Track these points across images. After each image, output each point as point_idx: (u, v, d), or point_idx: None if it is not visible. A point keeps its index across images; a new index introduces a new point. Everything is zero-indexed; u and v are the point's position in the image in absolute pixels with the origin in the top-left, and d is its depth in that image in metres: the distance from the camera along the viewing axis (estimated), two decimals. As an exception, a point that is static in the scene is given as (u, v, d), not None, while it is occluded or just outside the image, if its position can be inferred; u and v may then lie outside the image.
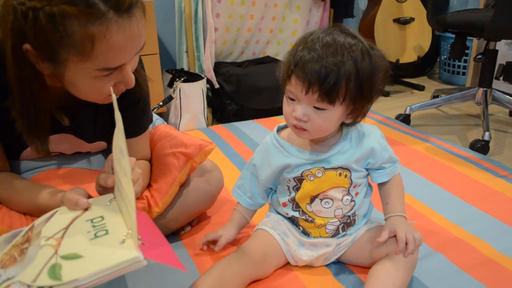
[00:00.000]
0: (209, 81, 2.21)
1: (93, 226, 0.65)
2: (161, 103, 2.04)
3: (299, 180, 0.95)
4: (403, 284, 0.88)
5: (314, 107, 0.82)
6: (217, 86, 2.23)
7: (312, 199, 0.95)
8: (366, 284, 0.88)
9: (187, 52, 2.28)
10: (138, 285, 0.98)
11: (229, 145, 1.77)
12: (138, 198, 1.04)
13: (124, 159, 0.63)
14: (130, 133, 1.00)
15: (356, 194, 0.96)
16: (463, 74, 2.86)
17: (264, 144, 1.00)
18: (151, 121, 1.08)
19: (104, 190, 0.81)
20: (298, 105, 0.84)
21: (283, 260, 1.00)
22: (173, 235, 1.15)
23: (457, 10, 2.20)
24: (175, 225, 1.14)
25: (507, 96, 2.12)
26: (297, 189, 0.96)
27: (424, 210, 1.27)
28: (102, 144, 1.05)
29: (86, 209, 0.71)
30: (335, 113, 0.84)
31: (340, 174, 0.93)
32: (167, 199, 1.05)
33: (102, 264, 0.56)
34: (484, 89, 2.04)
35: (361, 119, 0.92)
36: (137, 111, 1.00)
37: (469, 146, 1.81)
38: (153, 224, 0.76)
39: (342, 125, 0.93)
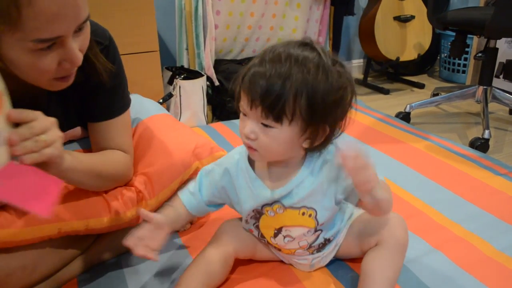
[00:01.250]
0: (209, 79, 2.21)
1: None
2: (161, 100, 2.04)
3: (259, 213, 0.89)
4: (395, 273, 0.87)
5: (262, 123, 0.75)
6: (217, 83, 2.23)
7: (276, 234, 0.90)
8: (360, 279, 0.88)
9: (187, 49, 2.27)
10: (138, 282, 0.98)
11: (229, 143, 1.77)
12: (127, 185, 1.03)
13: None
14: (99, 117, 0.97)
15: (322, 224, 0.88)
16: (463, 72, 2.86)
17: (234, 163, 0.90)
18: (127, 106, 1.02)
19: None
20: (248, 120, 0.77)
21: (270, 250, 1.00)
22: (172, 233, 1.15)
23: (458, 8, 2.20)
24: (178, 224, 1.14)
25: (507, 94, 2.13)
26: (256, 219, 0.91)
27: (423, 208, 1.27)
28: (77, 131, 1.01)
29: None
30: (284, 133, 0.75)
31: (303, 214, 0.86)
32: (165, 193, 1.05)
33: None
34: (484, 87, 2.04)
35: (325, 146, 0.82)
36: (104, 93, 0.94)
37: (469, 144, 1.81)
38: (55, 186, 0.71)
39: (307, 151, 0.84)
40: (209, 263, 0.91)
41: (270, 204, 0.86)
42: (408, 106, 2.15)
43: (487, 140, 1.78)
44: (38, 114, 0.70)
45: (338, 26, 2.68)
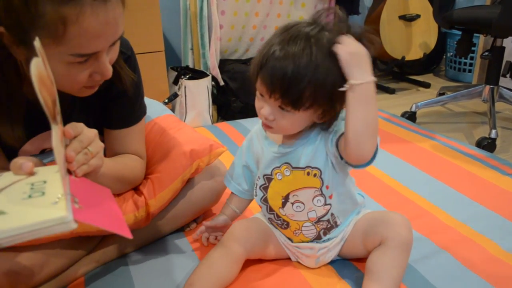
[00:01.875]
0: (214, 79, 2.21)
1: (31, 188, 0.61)
2: (166, 100, 2.04)
3: (269, 179, 0.93)
4: (400, 272, 0.87)
5: (280, 107, 0.80)
6: (222, 83, 2.23)
7: (284, 203, 0.93)
8: (364, 278, 0.88)
9: (192, 49, 2.28)
10: (144, 282, 0.98)
11: (234, 142, 1.77)
12: (136, 190, 1.06)
13: (54, 124, 0.63)
14: (119, 124, 0.99)
15: (331, 196, 0.91)
16: (469, 71, 2.84)
17: (252, 130, 1.00)
18: (144, 114, 1.05)
19: None
20: (266, 103, 0.82)
21: (279, 247, 1.01)
22: (178, 232, 1.15)
23: (464, 7, 2.18)
24: (180, 222, 1.14)
25: (514, 94, 2.11)
26: (265, 188, 0.95)
27: (430, 208, 1.26)
28: None
29: (31, 174, 0.67)
30: (302, 115, 0.81)
31: (308, 174, 0.89)
32: (166, 193, 1.05)
33: (23, 221, 0.53)
34: (491, 86, 2.03)
35: (335, 119, 0.85)
36: (125, 102, 0.97)
37: (476, 144, 1.80)
38: (108, 194, 0.74)
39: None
40: (219, 265, 0.92)
41: (279, 166, 0.91)
42: (414, 105, 2.14)
43: (494, 139, 1.77)
44: (83, 126, 0.73)
45: (343, 25, 2.67)
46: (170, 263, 1.04)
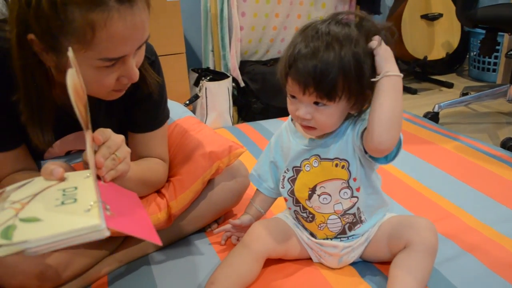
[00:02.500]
0: (234, 80, 2.22)
1: (63, 195, 0.62)
2: (187, 102, 2.06)
3: (297, 170, 0.94)
4: (425, 276, 0.86)
5: (315, 102, 0.81)
6: (242, 84, 2.24)
7: (310, 195, 0.94)
8: (388, 282, 0.87)
9: (212, 51, 2.29)
10: (166, 282, 0.99)
11: (255, 143, 1.78)
12: (158, 192, 1.07)
13: (87, 132, 0.64)
14: (143, 128, 1.01)
15: (358, 189, 0.92)
16: (494, 71, 2.79)
17: (282, 125, 1.01)
18: (167, 117, 1.07)
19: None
20: (300, 103, 0.83)
21: (300, 247, 1.01)
22: (199, 232, 1.16)
23: (488, 5, 2.15)
24: (201, 223, 1.15)
25: (540, 93, 2.07)
26: (293, 180, 0.96)
27: (454, 210, 1.24)
28: None
29: (62, 180, 0.68)
30: (338, 107, 0.82)
31: (336, 165, 0.90)
32: (187, 195, 1.06)
33: (58, 229, 0.53)
34: (516, 86, 1.99)
35: (368, 107, 0.86)
36: (149, 105, 0.99)
37: (500, 144, 1.76)
38: (136, 199, 0.76)
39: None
40: (240, 263, 0.93)
41: (308, 158, 0.91)
42: (437, 106, 2.11)
43: (520, 140, 1.74)
44: (110, 132, 0.75)
45: (364, 25, 2.65)
46: (192, 263, 1.05)
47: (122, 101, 0.89)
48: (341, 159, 0.89)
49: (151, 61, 0.95)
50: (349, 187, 0.91)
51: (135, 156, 1.02)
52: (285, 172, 0.97)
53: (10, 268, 0.84)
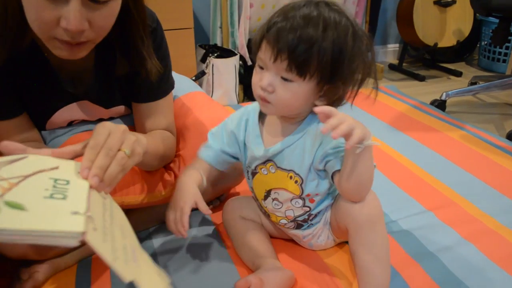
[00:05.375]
0: (242, 58, 2.20)
1: (54, 187, 0.59)
2: (193, 78, 2.05)
3: (253, 173, 0.92)
4: (377, 252, 0.81)
5: (282, 77, 0.75)
6: (250, 63, 2.22)
7: (266, 196, 0.92)
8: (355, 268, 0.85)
9: (221, 27, 2.26)
10: (167, 256, 1.00)
11: (260, 123, 1.77)
12: (166, 167, 1.07)
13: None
14: (146, 97, 0.99)
15: (311, 201, 0.89)
16: (504, 61, 2.75)
17: (243, 113, 0.93)
18: (171, 88, 1.04)
19: None
20: (266, 73, 0.77)
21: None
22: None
23: (503, -6, 2.11)
24: (205, 198, 1.15)
25: (550, 86, 2.04)
26: (253, 176, 0.93)
27: (456, 198, 1.24)
28: (120, 109, 1.03)
29: (56, 168, 0.64)
30: (304, 88, 0.76)
31: (291, 178, 0.86)
32: None
33: (39, 225, 0.50)
34: (526, 77, 1.97)
35: (335, 106, 0.81)
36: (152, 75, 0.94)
37: (506, 136, 1.75)
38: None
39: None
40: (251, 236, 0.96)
41: (264, 163, 0.88)
42: (444, 94, 2.09)
43: (526, 132, 1.72)
44: (103, 133, 0.68)
45: (376, 8, 2.62)
46: (194, 240, 1.06)
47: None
48: (296, 173, 0.86)
49: (152, 28, 0.92)
50: (301, 198, 0.89)
51: (142, 128, 1.01)
52: (247, 167, 0.94)
53: None
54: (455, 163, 1.46)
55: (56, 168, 0.64)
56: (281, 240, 1.04)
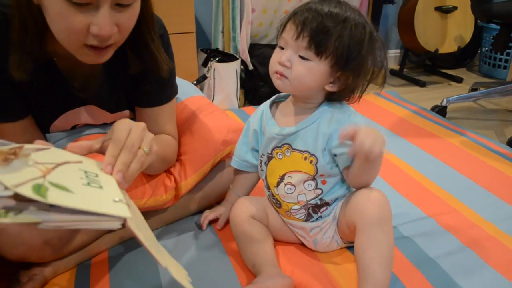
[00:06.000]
0: (243, 62, 2.21)
1: (87, 177, 0.60)
2: (194, 82, 2.05)
3: (269, 157, 0.96)
4: (382, 251, 0.82)
5: (300, 56, 0.83)
6: (251, 67, 2.23)
7: (279, 182, 0.95)
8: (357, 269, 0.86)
9: (222, 32, 2.27)
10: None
11: (260, 128, 1.77)
12: (166, 171, 1.07)
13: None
14: (151, 102, 1.00)
15: (324, 182, 0.92)
16: (504, 67, 2.76)
17: (260, 107, 1.02)
18: (175, 93, 1.06)
19: None
20: (286, 51, 0.84)
21: (281, 221, 1.03)
22: (203, 212, 1.16)
23: (504, 0, 2.11)
24: (207, 203, 1.16)
25: (551, 93, 2.05)
26: (266, 165, 0.97)
27: (456, 204, 1.24)
28: (125, 114, 1.04)
29: (80, 162, 0.66)
30: (319, 68, 0.83)
31: (305, 158, 0.91)
32: (196, 176, 1.07)
33: (90, 206, 0.52)
34: (527, 84, 1.97)
35: (341, 97, 0.90)
36: (157, 79, 0.96)
37: (507, 142, 1.75)
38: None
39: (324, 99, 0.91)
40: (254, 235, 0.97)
41: (280, 146, 0.93)
42: (445, 100, 2.09)
43: (526, 139, 1.73)
44: (125, 129, 0.69)
45: (377, 14, 2.62)
46: (192, 241, 1.06)
47: (127, 75, 0.88)
48: (311, 154, 0.90)
49: (160, 34, 0.93)
50: (314, 179, 0.92)
51: None
52: (261, 156, 0.99)
53: (13, 237, 0.84)
54: (455, 169, 1.46)
55: (80, 162, 0.66)
56: (283, 245, 1.04)
